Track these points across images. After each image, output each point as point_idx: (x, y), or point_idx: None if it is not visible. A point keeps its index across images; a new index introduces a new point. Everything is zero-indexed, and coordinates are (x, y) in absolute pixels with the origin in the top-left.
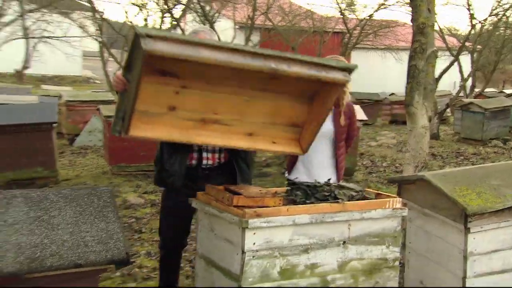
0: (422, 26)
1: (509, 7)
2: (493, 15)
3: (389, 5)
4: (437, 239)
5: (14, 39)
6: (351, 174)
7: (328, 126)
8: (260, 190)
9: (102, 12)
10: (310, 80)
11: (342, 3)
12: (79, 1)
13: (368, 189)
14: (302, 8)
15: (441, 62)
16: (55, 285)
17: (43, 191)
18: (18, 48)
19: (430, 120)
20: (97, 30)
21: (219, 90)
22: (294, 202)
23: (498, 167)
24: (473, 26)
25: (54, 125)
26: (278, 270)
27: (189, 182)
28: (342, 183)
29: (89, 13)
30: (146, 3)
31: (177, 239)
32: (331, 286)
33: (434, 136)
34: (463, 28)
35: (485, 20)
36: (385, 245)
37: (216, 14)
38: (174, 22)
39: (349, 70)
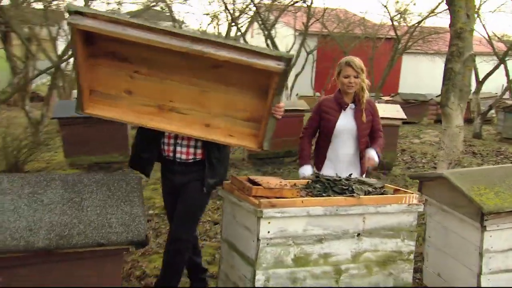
0: (459, 31)
1: None
2: None
3: (438, 13)
4: (454, 235)
5: None
6: (390, 169)
7: (350, 123)
8: (280, 182)
9: (182, 21)
10: (248, 69)
11: (393, 12)
12: (163, 11)
13: (388, 185)
14: (356, 16)
15: (489, 66)
16: (79, 261)
17: (79, 176)
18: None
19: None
20: None
21: (172, 78)
22: (313, 195)
23: None
24: None
25: None
26: (292, 257)
27: (169, 174)
28: (363, 178)
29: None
30: (218, 13)
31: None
32: (344, 275)
33: (477, 136)
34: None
35: None
36: (400, 238)
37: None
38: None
39: (283, 59)
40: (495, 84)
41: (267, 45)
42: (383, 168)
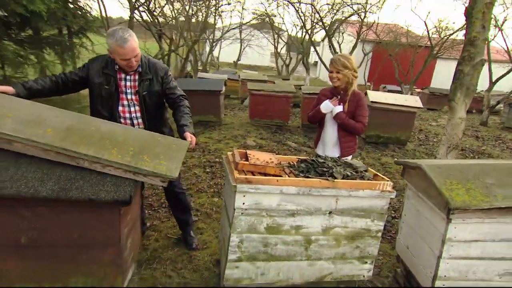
0: (473, 39)
1: None
2: None
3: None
4: (424, 219)
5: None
6: (404, 144)
7: (335, 111)
8: (270, 159)
9: (285, 31)
10: None
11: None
12: (266, 23)
13: (371, 170)
14: (403, 28)
15: (504, 70)
16: (77, 211)
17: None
18: (235, 49)
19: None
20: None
21: None
22: (295, 173)
23: (498, 166)
24: None
25: (222, 92)
26: (264, 226)
27: None
28: (350, 160)
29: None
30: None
31: None
32: (314, 244)
33: (483, 123)
34: None
35: None
36: (370, 218)
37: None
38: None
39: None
40: (507, 86)
41: (330, 46)
42: (398, 143)
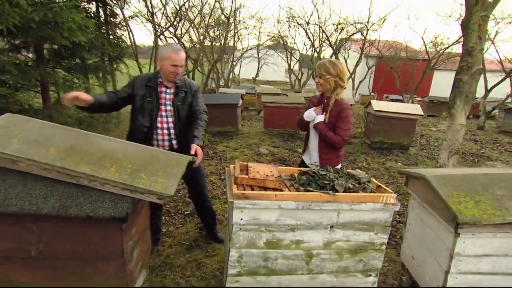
0: (470, 50)
1: None
2: None
3: (461, 41)
4: (430, 231)
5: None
6: (407, 149)
7: (316, 120)
8: (271, 171)
9: (297, 49)
10: None
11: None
12: (280, 44)
13: (374, 181)
14: (402, 44)
15: (498, 79)
16: (76, 227)
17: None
18: (253, 66)
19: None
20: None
21: None
22: (295, 186)
23: (506, 176)
24: None
25: (238, 105)
26: (264, 241)
27: None
28: (353, 171)
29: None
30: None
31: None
32: (315, 258)
33: (480, 128)
34: None
35: None
36: (373, 232)
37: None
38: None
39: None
40: (504, 91)
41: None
42: (401, 148)
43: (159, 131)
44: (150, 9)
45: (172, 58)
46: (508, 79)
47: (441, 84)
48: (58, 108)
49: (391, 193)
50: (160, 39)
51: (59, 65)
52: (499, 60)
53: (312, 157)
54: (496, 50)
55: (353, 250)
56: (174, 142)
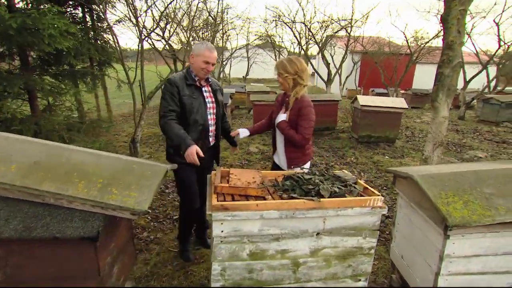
0: (450, 43)
1: None
2: None
3: (441, 35)
4: (419, 231)
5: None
6: (394, 142)
7: (278, 119)
8: (253, 178)
9: (285, 48)
10: None
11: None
12: (268, 42)
13: (360, 182)
14: (385, 39)
15: (475, 71)
16: (45, 247)
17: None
18: (244, 65)
19: (460, 106)
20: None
21: None
22: (279, 193)
23: (494, 172)
24: (500, 46)
25: (227, 104)
26: (247, 253)
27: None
28: (339, 172)
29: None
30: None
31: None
32: (302, 266)
33: (461, 118)
34: (494, 47)
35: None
36: (361, 236)
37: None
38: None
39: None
40: (480, 82)
41: (323, 57)
42: (387, 141)
43: (210, 128)
44: (134, 12)
45: (206, 55)
46: (484, 71)
47: (423, 77)
48: (47, 115)
49: (378, 195)
50: (149, 43)
51: (46, 72)
52: (475, 52)
53: (279, 157)
54: (473, 44)
55: (341, 256)
56: (211, 139)
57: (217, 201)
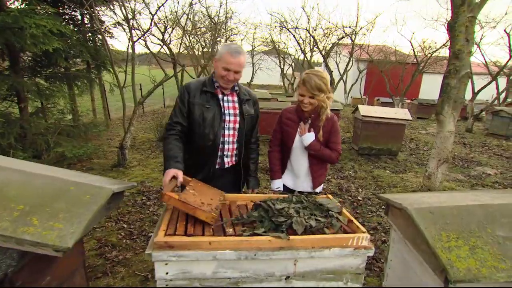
0: (458, 52)
1: None
2: None
3: (448, 45)
4: (414, 275)
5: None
6: (396, 155)
7: (307, 140)
8: (211, 199)
9: (290, 54)
10: None
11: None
12: (273, 49)
13: (346, 213)
14: (391, 48)
15: (484, 82)
16: None
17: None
18: (248, 71)
19: (468, 118)
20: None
21: None
22: (243, 223)
23: (510, 208)
24: (511, 57)
25: None
26: None
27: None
28: (322, 199)
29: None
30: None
31: None
32: None
33: (468, 130)
34: (503, 57)
35: None
36: (342, 281)
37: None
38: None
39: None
40: (489, 94)
41: (325, 67)
42: (390, 154)
43: (226, 146)
44: (125, 14)
45: (227, 60)
46: (493, 82)
47: (430, 87)
48: (32, 119)
49: (364, 232)
50: (146, 46)
51: (38, 73)
52: (484, 63)
53: (297, 179)
54: (482, 54)
55: None
56: (234, 160)
57: (165, 233)
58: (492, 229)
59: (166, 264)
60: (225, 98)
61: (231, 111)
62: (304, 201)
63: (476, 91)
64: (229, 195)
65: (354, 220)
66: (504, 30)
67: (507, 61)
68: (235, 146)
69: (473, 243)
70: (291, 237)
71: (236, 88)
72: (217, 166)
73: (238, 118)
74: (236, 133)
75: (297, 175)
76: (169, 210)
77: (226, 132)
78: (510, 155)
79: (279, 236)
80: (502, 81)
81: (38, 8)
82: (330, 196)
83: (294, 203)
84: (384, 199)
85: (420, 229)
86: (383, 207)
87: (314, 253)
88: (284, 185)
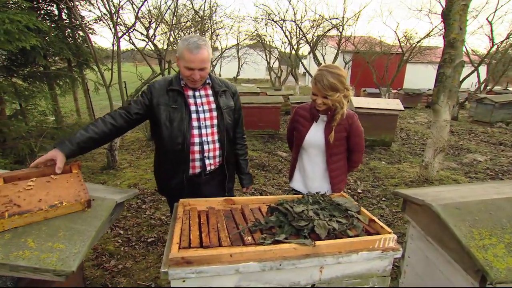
0: (452, 41)
1: None
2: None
3: (431, 35)
4: (439, 273)
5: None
6: (389, 145)
7: (319, 137)
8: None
9: (276, 48)
10: None
11: (401, 35)
12: (259, 42)
13: (364, 211)
14: (376, 39)
15: (465, 70)
16: None
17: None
18: (234, 65)
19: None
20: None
21: None
22: (262, 232)
23: None
24: (493, 45)
25: None
26: None
27: (193, 189)
28: (338, 198)
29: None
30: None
31: None
32: None
33: (454, 118)
34: (483, 47)
35: (501, 43)
36: (369, 285)
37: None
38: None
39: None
40: (469, 82)
41: (314, 58)
42: (383, 145)
43: (206, 147)
44: (108, 9)
45: (186, 58)
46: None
47: (413, 77)
48: (11, 122)
49: (390, 232)
50: (130, 42)
51: (15, 73)
52: (465, 52)
53: (311, 183)
54: (464, 44)
55: None
56: (217, 160)
57: (179, 247)
58: None
59: (184, 281)
60: (197, 93)
61: (205, 107)
62: (321, 201)
63: (460, 80)
64: (239, 198)
65: (377, 220)
66: (486, 19)
67: (490, 49)
68: (217, 145)
69: (508, 240)
70: (317, 243)
71: (208, 80)
72: (197, 170)
73: (215, 113)
74: (215, 130)
75: (312, 179)
76: (180, 219)
77: (204, 131)
78: (496, 141)
79: (304, 243)
80: (482, 70)
81: (10, 2)
82: (345, 194)
83: (311, 204)
84: (402, 195)
85: (449, 227)
86: (383, 199)
87: (341, 258)
88: (294, 190)
